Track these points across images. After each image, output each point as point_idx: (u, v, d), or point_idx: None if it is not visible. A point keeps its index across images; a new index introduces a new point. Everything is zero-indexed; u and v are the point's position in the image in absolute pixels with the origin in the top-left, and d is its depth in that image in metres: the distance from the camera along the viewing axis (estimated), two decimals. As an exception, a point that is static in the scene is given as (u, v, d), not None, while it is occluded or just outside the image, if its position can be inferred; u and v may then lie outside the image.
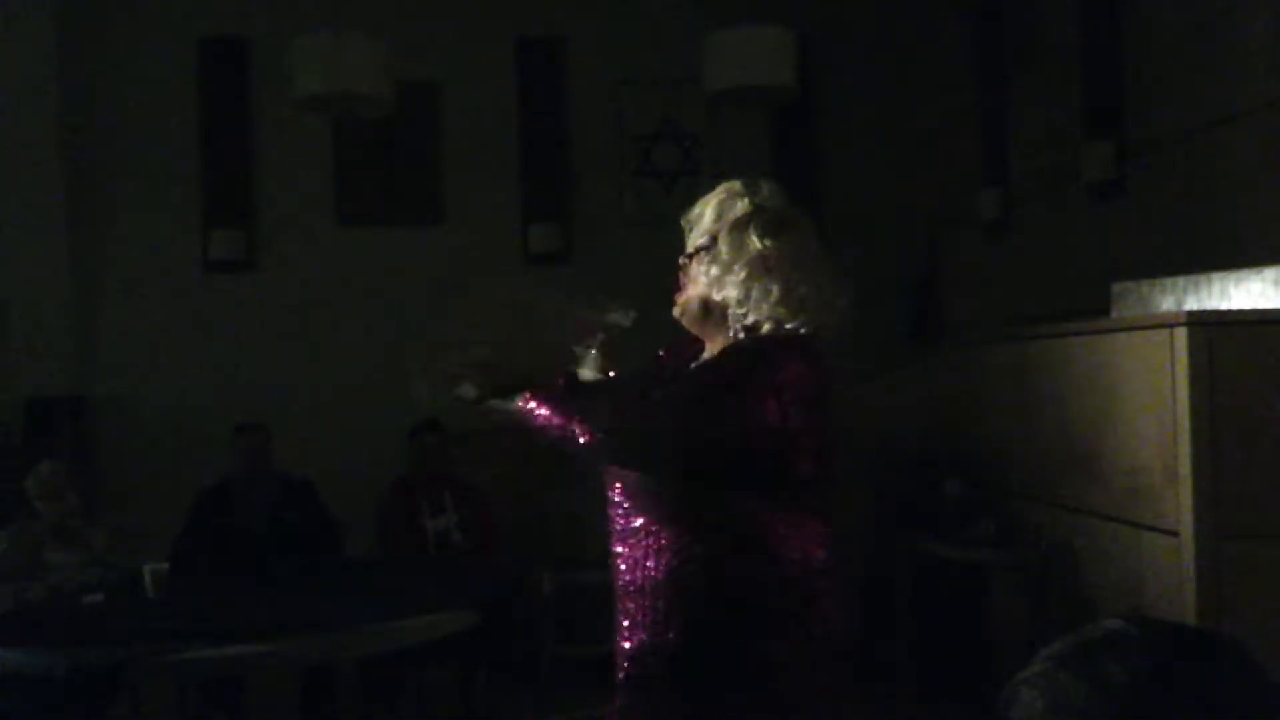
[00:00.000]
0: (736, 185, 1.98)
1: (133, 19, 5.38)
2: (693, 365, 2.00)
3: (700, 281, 1.93)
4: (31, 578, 3.67)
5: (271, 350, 5.34)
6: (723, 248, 1.90)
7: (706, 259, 1.93)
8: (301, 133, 5.32)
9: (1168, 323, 2.79)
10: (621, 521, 1.89)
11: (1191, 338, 2.70)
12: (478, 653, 3.85)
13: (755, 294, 1.86)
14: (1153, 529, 2.85)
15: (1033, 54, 4.80)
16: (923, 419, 4.37)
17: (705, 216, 1.97)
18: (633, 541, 1.86)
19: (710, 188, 2.04)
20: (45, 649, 2.86)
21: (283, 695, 3.86)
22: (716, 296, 1.91)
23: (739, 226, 1.91)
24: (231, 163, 5.41)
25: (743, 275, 1.87)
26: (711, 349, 1.97)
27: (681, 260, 1.99)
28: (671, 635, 1.82)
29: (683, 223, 2.01)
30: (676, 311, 2.00)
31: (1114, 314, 3.25)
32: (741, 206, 1.94)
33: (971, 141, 5.21)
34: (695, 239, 1.97)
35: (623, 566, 1.88)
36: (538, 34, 5.55)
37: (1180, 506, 2.72)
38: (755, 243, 1.88)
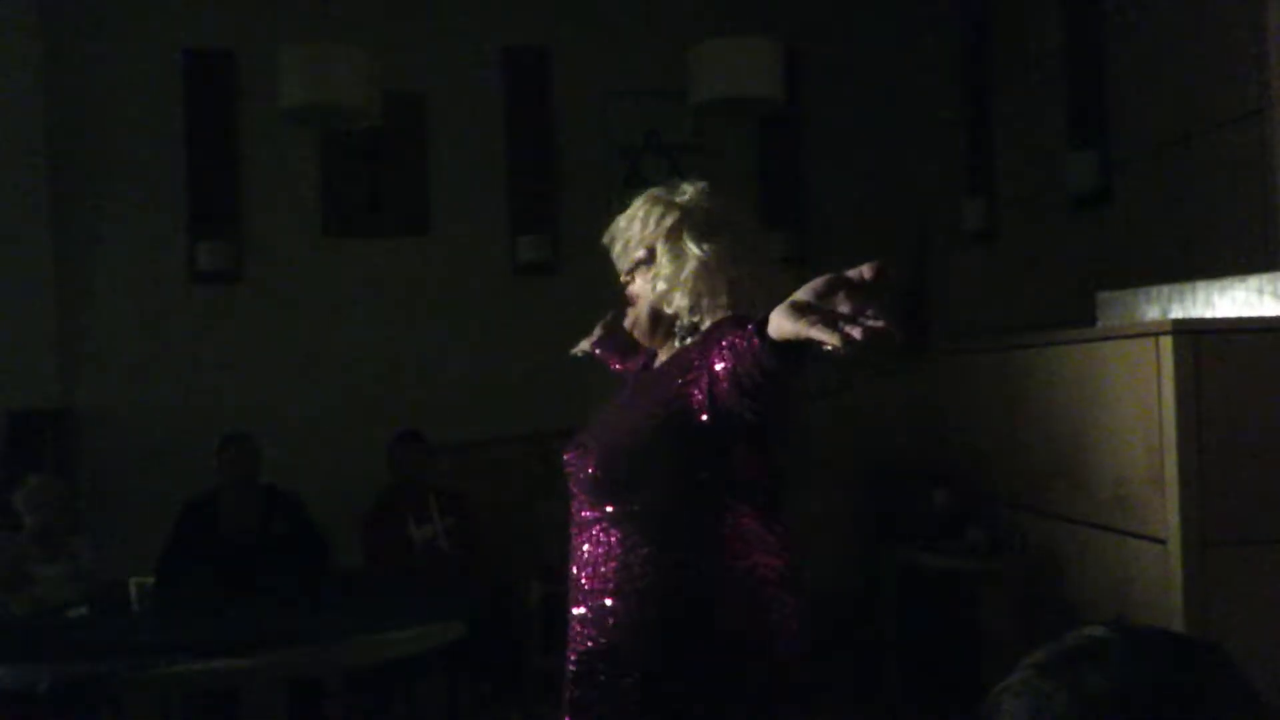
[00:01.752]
0: (657, 192, 1.98)
1: (117, 30, 5.36)
2: (651, 368, 2.00)
3: (649, 295, 1.93)
4: (16, 591, 3.65)
5: (257, 362, 5.32)
6: (663, 260, 1.90)
7: (648, 272, 1.93)
8: (287, 144, 5.31)
9: (1153, 331, 2.81)
10: (579, 514, 1.90)
11: (1177, 346, 2.71)
12: (465, 664, 3.83)
13: (705, 300, 1.87)
14: (1139, 536, 2.86)
15: (1017, 65, 4.83)
16: (910, 428, 4.38)
17: (635, 229, 1.95)
18: (587, 535, 1.87)
19: None
20: (29, 663, 2.83)
21: (273, 709, 3.84)
22: (668, 309, 1.91)
23: (673, 235, 1.90)
24: (217, 174, 5.40)
25: (689, 284, 1.87)
26: (662, 355, 1.98)
27: (624, 278, 1.99)
28: (621, 637, 1.81)
29: (605, 240, 2.00)
30: (627, 323, 2.01)
31: (1099, 323, 3.27)
32: (670, 214, 1.92)
33: (957, 152, 5.23)
34: (631, 253, 1.96)
35: (578, 559, 1.89)
36: (524, 45, 5.55)
37: (1167, 514, 2.73)
38: (693, 249, 1.88)
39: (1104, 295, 3.32)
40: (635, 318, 1.98)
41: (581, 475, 1.88)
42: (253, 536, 4.10)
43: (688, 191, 1.95)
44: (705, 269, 1.86)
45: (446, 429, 4.82)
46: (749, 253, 1.90)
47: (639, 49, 5.51)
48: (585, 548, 1.86)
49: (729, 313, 1.85)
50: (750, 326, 1.48)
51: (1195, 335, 2.72)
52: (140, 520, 4.42)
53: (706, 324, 1.87)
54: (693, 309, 1.88)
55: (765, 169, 5.65)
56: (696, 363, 1.74)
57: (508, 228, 5.54)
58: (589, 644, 1.86)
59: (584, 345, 2.62)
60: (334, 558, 4.30)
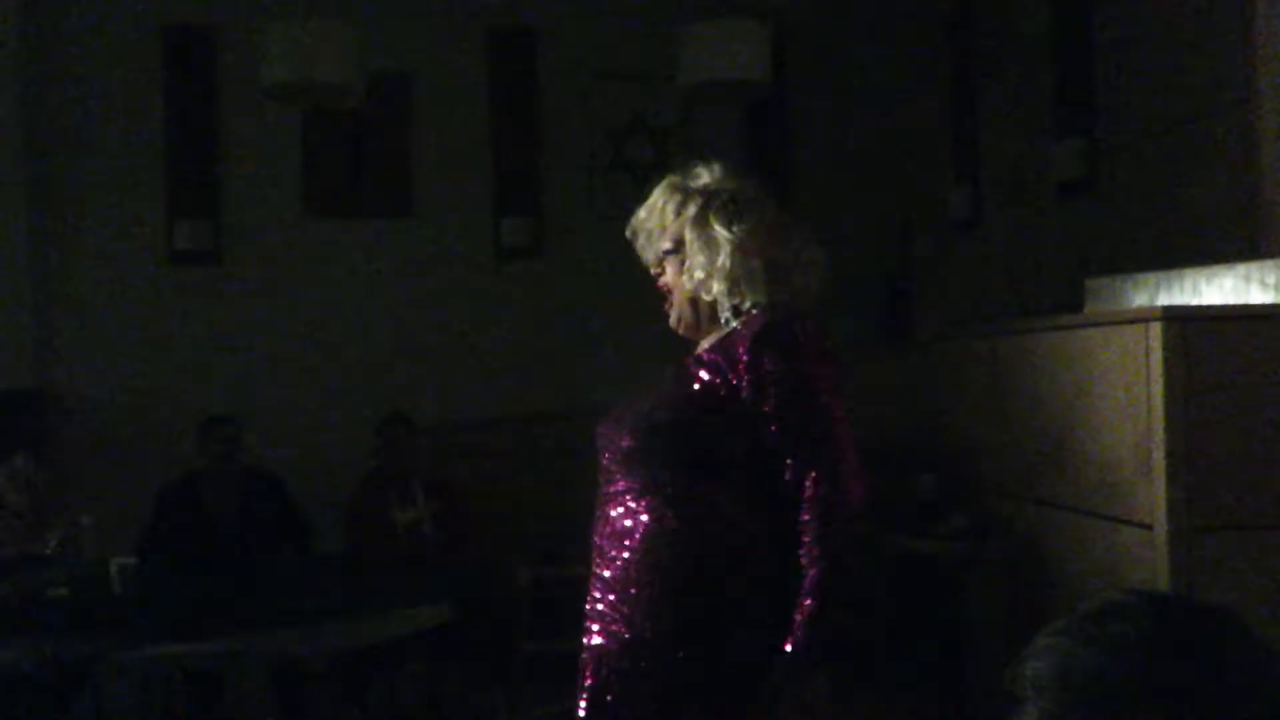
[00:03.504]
0: (674, 179, 1.98)
1: (96, 5, 5.28)
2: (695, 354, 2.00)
3: (684, 285, 1.94)
4: (-4, 572, 3.60)
5: (237, 343, 5.27)
6: (695, 248, 1.91)
7: (678, 260, 1.94)
8: (268, 122, 5.25)
9: (1143, 317, 2.81)
10: (608, 486, 1.92)
11: (1166, 332, 2.71)
12: (450, 647, 3.81)
13: (743, 282, 1.89)
14: (1126, 522, 2.87)
15: (1004, 52, 4.83)
16: (896, 414, 4.38)
17: (655, 219, 1.96)
18: (614, 505, 1.89)
19: None
20: (11, 645, 2.80)
21: (257, 691, 3.81)
22: (706, 296, 1.92)
23: (700, 222, 1.91)
24: (197, 152, 5.33)
25: (726, 268, 1.89)
26: (707, 341, 1.98)
27: (654, 271, 1.99)
28: (642, 607, 1.84)
29: (628, 234, 2.01)
30: (672, 322, 2.02)
31: (1088, 309, 3.27)
32: (692, 201, 1.92)
33: (943, 138, 5.23)
34: (657, 245, 1.97)
35: (602, 529, 1.91)
36: (510, 26, 5.51)
37: (1154, 500, 2.74)
38: (724, 232, 1.89)
39: (1092, 282, 3.33)
40: (679, 314, 1.98)
41: (614, 447, 1.90)
42: (234, 519, 4.07)
43: (705, 175, 1.95)
44: (740, 252, 1.88)
45: (428, 411, 4.79)
46: (777, 229, 1.92)
47: (626, 31, 5.48)
48: (612, 517, 1.88)
49: (768, 291, 1.89)
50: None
51: (1185, 322, 2.72)
52: (119, 501, 4.37)
53: (748, 304, 1.89)
54: (731, 291, 1.90)
55: (751, 153, 5.63)
56: (732, 360, 1.84)
57: (491, 210, 5.50)
58: (608, 610, 1.87)
59: None
60: (316, 541, 4.27)
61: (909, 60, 5.46)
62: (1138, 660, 0.83)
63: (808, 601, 1.75)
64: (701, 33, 4.44)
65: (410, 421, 4.36)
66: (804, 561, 1.77)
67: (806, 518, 1.78)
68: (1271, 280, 2.90)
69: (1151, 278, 3.14)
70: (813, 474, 1.79)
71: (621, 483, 1.88)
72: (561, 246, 5.47)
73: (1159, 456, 2.72)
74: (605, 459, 1.93)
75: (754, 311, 1.89)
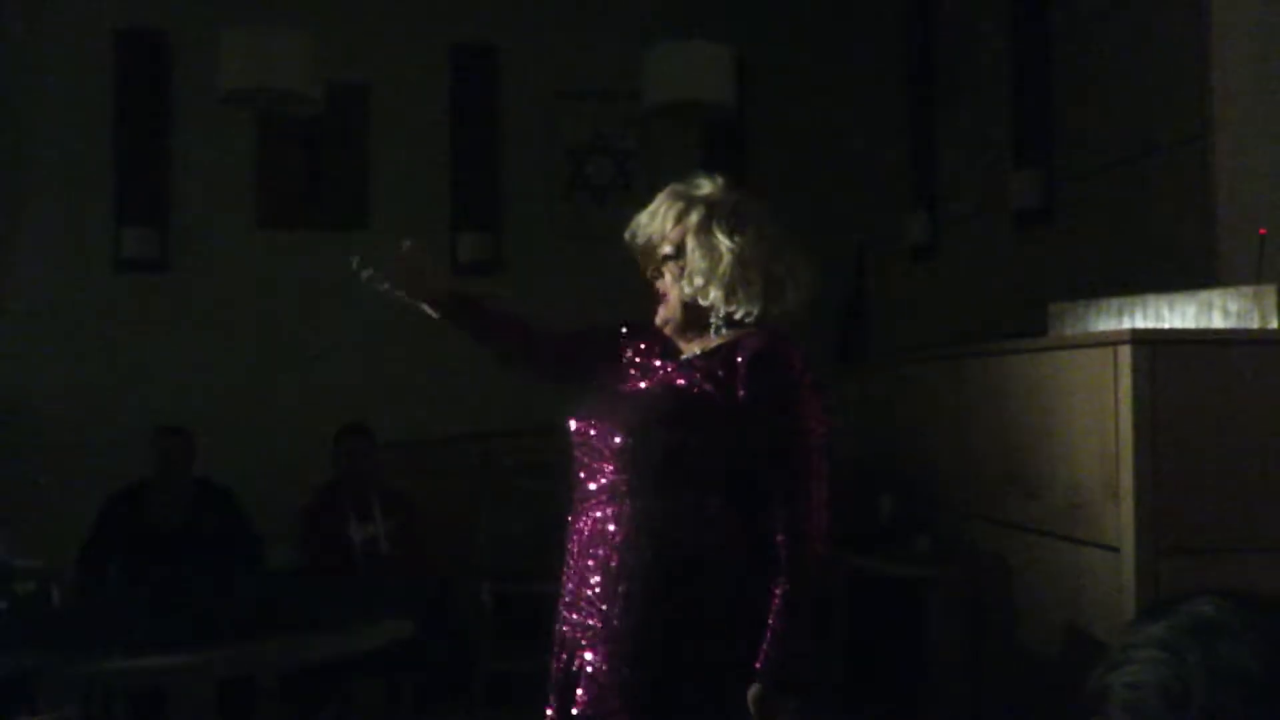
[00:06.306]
0: (677, 187, 2.02)
1: (47, 6, 5.16)
2: (680, 356, 1.99)
3: (683, 289, 1.96)
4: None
5: (185, 354, 5.14)
6: (695, 255, 1.94)
7: (677, 266, 1.96)
8: (222, 130, 5.15)
9: (1111, 341, 2.84)
10: (587, 484, 1.92)
11: (1135, 355, 2.74)
12: (406, 665, 3.72)
13: (740, 291, 1.91)
14: (1092, 544, 2.89)
15: (964, 81, 4.90)
16: (858, 436, 4.39)
17: (657, 225, 1.98)
18: (595, 502, 1.90)
19: (643, 203, 2.07)
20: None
21: (203, 709, 3.68)
22: (703, 302, 1.95)
23: (703, 230, 1.94)
24: (147, 158, 5.21)
25: (725, 277, 1.93)
26: (689, 346, 2.01)
27: (650, 274, 2.01)
28: (620, 605, 1.84)
29: (626, 237, 2.03)
30: (660, 321, 2.04)
31: (1051, 334, 3.30)
32: (695, 209, 1.96)
33: (901, 165, 5.28)
34: (657, 249, 1.99)
35: (581, 527, 1.91)
36: (472, 41, 5.47)
37: (1120, 522, 2.76)
38: (725, 241, 1.93)
39: (1055, 307, 3.36)
40: (668, 316, 2.01)
41: (601, 445, 1.90)
42: (181, 531, 3.95)
43: (707, 186, 2.00)
44: (739, 261, 1.92)
45: (384, 427, 4.69)
46: (775, 241, 1.97)
47: (589, 50, 5.48)
48: (595, 516, 1.89)
49: (763, 303, 1.93)
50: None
51: (1153, 345, 2.75)
52: (61, 511, 4.23)
53: (740, 314, 1.93)
54: (729, 299, 1.93)
55: (709, 176, 5.63)
56: (731, 372, 1.86)
57: (449, 225, 5.44)
58: (586, 605, 1.88)
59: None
60: (268, 555, 4.16)
61: (869, 86, 5.51)
62: (1253, 685, 0.78)
63: (778, 626, 1.78)
64: (666, 53, 4.45)
65: (369, 433, 4.26)
66: (776, 585, 1.81)
67: (780, 543, 1.82)
68: (1233, 307, 2.95)
69: (1114, 303, 3.18)
70: (789, 503, 1.82)
71: (605, 481, 1.89)
72: (520, 264, 5.42)
73: (1126, 478, 2.74)
74: (587, 459, 1.93)
75: (747, 323, 1.93)
